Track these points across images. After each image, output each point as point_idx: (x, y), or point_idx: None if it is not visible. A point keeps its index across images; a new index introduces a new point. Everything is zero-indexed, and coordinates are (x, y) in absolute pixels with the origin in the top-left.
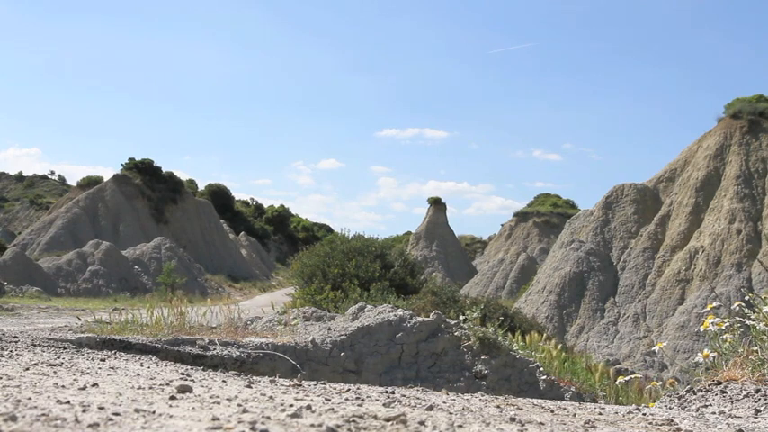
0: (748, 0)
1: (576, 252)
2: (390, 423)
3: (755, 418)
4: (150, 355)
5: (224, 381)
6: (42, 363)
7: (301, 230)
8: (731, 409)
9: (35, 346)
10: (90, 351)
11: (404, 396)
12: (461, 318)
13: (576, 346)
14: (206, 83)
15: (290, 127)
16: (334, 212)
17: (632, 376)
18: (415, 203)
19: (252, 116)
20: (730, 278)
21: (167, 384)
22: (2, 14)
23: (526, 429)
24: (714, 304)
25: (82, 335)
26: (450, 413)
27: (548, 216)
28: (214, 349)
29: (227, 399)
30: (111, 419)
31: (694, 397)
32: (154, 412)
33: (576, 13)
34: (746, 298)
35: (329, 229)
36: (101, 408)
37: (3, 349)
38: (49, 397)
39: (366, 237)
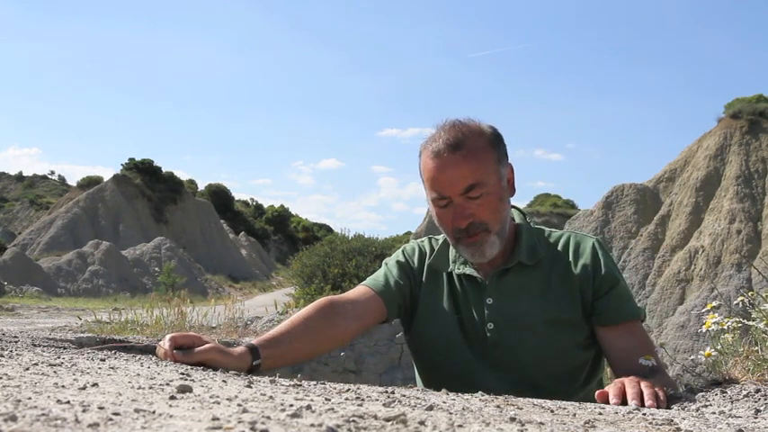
0: (748, 0)
1: None
2: (390, 423)
3: (755, 418)
4: (150, 355)
5: (224, 381)
6: (42, 363)
7: (301, 230)
8: (731, 409)
9: (35, 346)
10: (90, 351)
11: (404, 396)
12: None
13: None
14: (206, 83)
15: (290, 127)
16: (334, 212)
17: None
18: (415, 203)
19: (252, 116)
20: (730, 278)
21: (167, 384)
22: (1, 14)
23: (526, 429)
24: (714, 304)
25: (82, 335)
26: (450, 413)
27: (548, 216)
28: None
29: (227, 399)
30: (111, 419)
31: (694, 397)
32: (154, 412)
33: (576, 13)
34: (746, 297)
35: (329, 229)
36: (101, 408)
37: (3, 349)
38: (49, 397)
39: (366, 237)
